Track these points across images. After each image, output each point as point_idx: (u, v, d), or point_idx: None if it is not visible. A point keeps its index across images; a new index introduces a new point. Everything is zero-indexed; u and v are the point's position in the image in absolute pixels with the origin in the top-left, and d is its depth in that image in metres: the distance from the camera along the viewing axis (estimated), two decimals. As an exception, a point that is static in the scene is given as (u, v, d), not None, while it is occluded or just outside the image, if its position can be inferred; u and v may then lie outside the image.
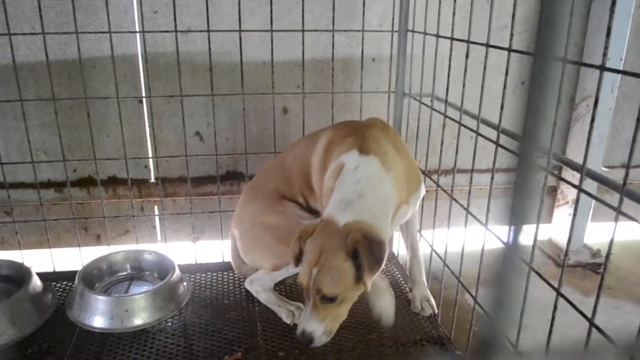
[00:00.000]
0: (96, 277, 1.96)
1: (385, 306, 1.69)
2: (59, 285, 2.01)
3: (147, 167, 2.38)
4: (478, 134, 1.55)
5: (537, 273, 1.33)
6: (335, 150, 1.66)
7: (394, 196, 1.56)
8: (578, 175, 1.22)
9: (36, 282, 1.84)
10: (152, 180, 2.39)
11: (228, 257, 2.14)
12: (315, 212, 1.82)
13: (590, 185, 1.25)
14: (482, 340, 0.37)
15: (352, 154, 1.58)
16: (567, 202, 2.68)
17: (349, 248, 1.40)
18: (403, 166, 1.62)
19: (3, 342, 1.66)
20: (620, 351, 1.02)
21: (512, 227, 0.36)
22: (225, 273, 2.10)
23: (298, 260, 1.53)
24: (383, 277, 1.75)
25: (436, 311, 1.85)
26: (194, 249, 2.25)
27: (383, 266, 1.43)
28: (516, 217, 0.36)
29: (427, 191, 2.10)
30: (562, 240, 2.71)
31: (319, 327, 1.47)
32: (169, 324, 1.79)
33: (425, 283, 1.90)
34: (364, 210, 1.47)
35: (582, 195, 1.25)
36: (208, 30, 1.93)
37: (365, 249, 1.38)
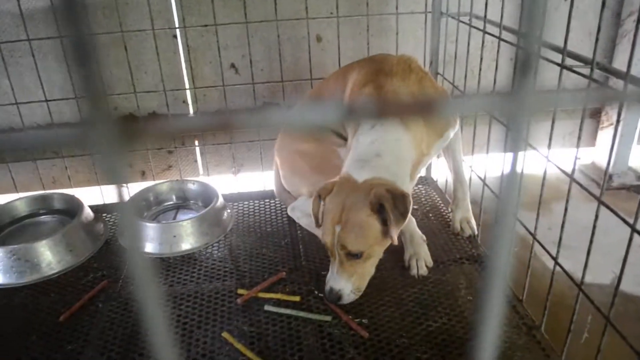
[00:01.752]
0: (144, 207, 2.04)
1: (421, 255, 1.70)
2: (109, 216, 2.10)
3: (185, 102, 2.41)
4: (519, 47, 1.50)
5: (578, 183, 1.32)
6: (354, 99, 1.64)
7: (412, 154, 1.52)
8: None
9: (88, 213, 1.93)
10: (191, 114, 2.43)
11: (269, 187, 2.19)
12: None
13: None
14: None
15: None
16: (611, 124, 2.61)
17: (373, 204, 1.39)
18: (424, 119, 1.56)
19: (62, 268, 1.76)
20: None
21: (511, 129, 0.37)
22: (268, 201, 2.15)
23: (318, 219, 1.53)
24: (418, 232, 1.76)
25: (476, 232, 1.87)
26: (236, 181, 2.31)
27: (408, 220, 1.42)
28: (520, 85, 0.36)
29: (465, 116, 2.07)
30: (605, 163, 2.65)
31: (347, 284, 1.47)
32: (215, 248, 1.86)
33: (469, 206, 1.90)
34: (382, 169, 1.45)
35: (627, 117, 1.21)
36: (239, -43, 1.90)
37: (390, 203, 1.38)
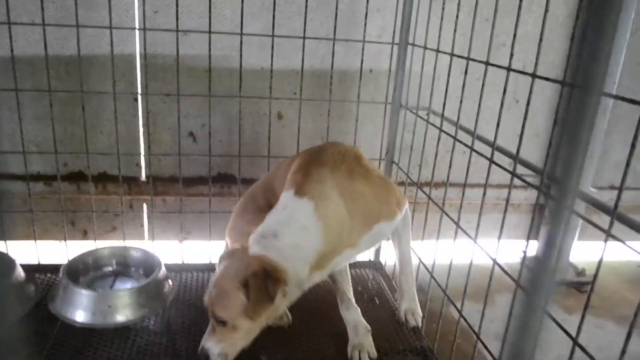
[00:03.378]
0: (81, 271, 1.94)
1: (365, 347, 1.68)
2: (42, 277, 1.99)
3: (138, 165, 2.37)
4: (472, 149, 1.56)
5: (524, 290, 1.34)
6: (285, 185, 1.65)
7: (318, 244, 1.50)
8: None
9: (19, 273, 1.83)
10: (143, 178, 2.38)
11: (215, 259, 2.14)
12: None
13: (577, 204, 1.28)
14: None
15: (288, 194, 1.56)
16: (554, 222, 2.71)
17: (244, 278, 1.42)
18: (347, 211, 1.55)
19: (-17, 332, 1.64)
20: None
21: (543, 257, 0.37)
22: (212, 274, 2.09)
23: None
24: (364, 326, 1.74)
25: (420, 324, 1.86)
26: (181, 248, 2.25)
27: (275, 305, 1.44)
28: (549, 245, 0.37)
29: (417, 203, 2.11)
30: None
31: (214, 346, 1.49)
32: (152, 322, 1.78)
33: (415, 296, 1.89)
34: (274, 250, 1.47)
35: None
36: (209, 32, 1.94)
37: (257, 283, 1.40)
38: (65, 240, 2.16)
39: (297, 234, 1.49)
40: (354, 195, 1.57)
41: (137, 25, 2.15)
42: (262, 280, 1.40)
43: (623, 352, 1.03)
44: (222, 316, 1.45)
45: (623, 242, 1.10)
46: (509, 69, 1.37)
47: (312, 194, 1.53)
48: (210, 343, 1.49)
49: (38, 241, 2.16)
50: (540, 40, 1.23)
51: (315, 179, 1.56)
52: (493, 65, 1.47)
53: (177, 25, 1.92)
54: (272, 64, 2.03)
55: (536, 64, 1.25)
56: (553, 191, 0.36)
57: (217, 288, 1.46)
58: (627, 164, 1.02)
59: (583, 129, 0.32)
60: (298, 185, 1.56)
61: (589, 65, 0.32)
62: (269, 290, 1.40)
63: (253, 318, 1.44)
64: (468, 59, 1.57)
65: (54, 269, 2.01)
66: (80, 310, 1.72)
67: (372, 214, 1.62)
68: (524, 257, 1.46)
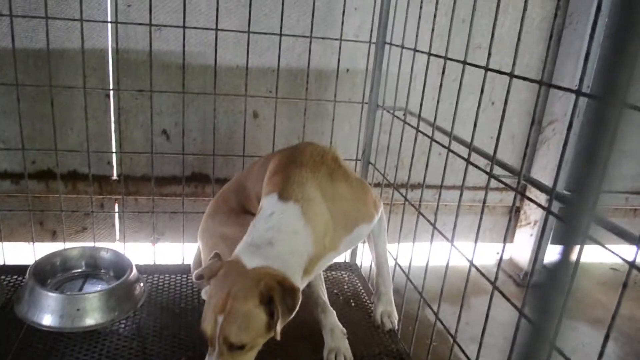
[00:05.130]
0: (49, 273, 1.88)
1: (341, 350, 1.64)
2: (8, 279, 1.93)
3: (109, 163, 2.31)
4: (449, 150, 1.55)
5: (501, 292, 1.33)
6: (265, 188, 1.59)
7: (309, 248, 1.46)
8: (542, 197, 1.24)
9: (-17, 275, 1.76)
10: (114, 177, 2.32)
11: (188, 260, 2.09)
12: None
13: (552, 207, 1.27)
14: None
15: (272, 198, 1.49)
16: (529, 223, 2.73)
17: (264, 295, 1.31)
18: (330, 213, 1.51)
19: (-57, 336, 1.57)
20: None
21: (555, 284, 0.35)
22: (184, 276, 2.05)
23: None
24: (339, 326, 1.70)
25: (396, 327, 1.84)
26: (154, 250, 2.20)
27: (294, 315, 1.34)
28: (561, 271, 0.34)
29: (394, 204, 2.10)
30: (522, 259, 2.75)
31: None
32: (123, 325, 1.73)
33: (391, 298, 1.88)
34: (273, 259, 1.39)
35: (543, 218, 1.26)
36: (184, 27, 1.89)
37: (279, 296, 1.30)
38: (33, 241, 2.09)
39: (290, 239, 1.43)
40: (335, 197, 1.53)
41: (109, 19, 2.09)
42: (281, 293, 1.30)
43: (601, 354, 1.02)
44: (242, 341, 1.31)
45: (599, 243, 1.09)
46: (486, 69, 1.36)
47: (297, 197, 1.47)
48: None
49: (5, 242, 2.08)
50: (519, 39, 1.22)
51: (297, 181, 1.51)
52: (471, 64, 1.46)
53: (150, 20, 1.87)
54: (247, 61, 1.99)
55: (514, 64, 1.24)
56: (564, 212, 0.34)
57: (229, 313, 1.30)
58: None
59: (602, 144, 0.29)
60: (280, 188, 1.50)
61: (611, 72, 0.29)
62: (287, 302, 1.30)
63: (276, 334, 1.32)
64: (446, 58, 1.56)
65: (20, 270, 1.94)
66: (47, 313, 1.67)
67: (353, 216, 1.59)
68: (500, 260, 1.45)
